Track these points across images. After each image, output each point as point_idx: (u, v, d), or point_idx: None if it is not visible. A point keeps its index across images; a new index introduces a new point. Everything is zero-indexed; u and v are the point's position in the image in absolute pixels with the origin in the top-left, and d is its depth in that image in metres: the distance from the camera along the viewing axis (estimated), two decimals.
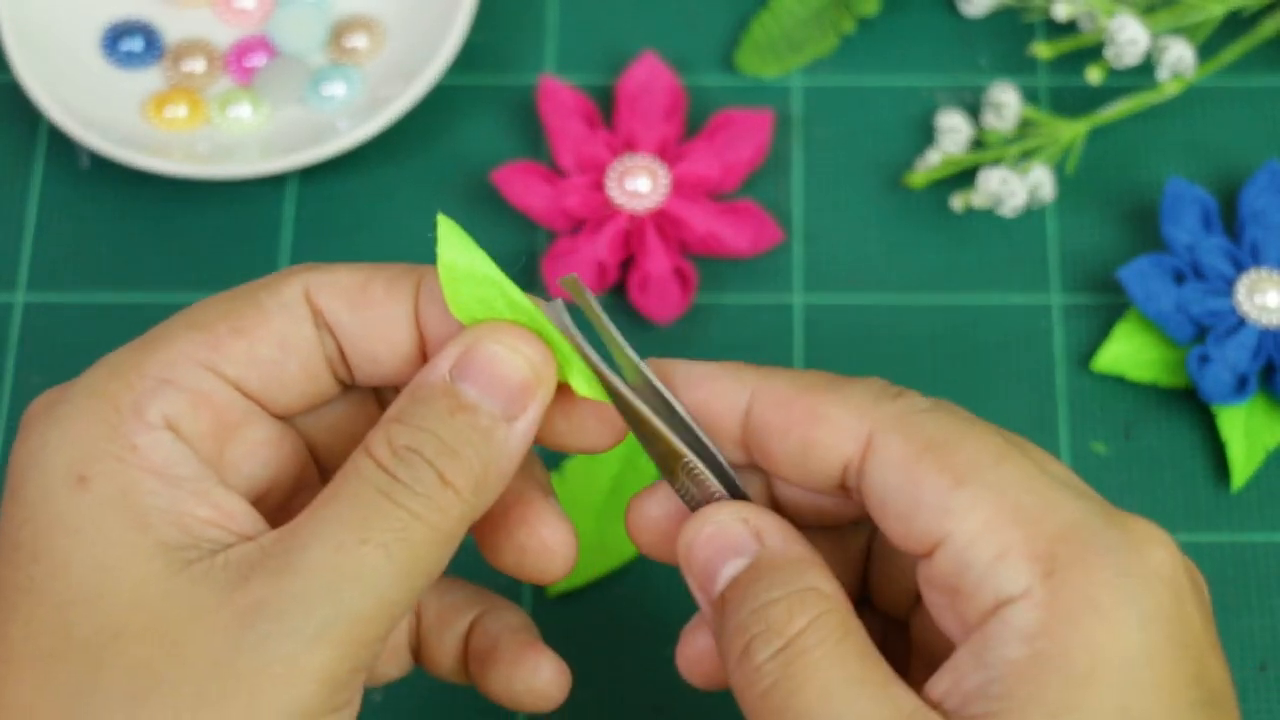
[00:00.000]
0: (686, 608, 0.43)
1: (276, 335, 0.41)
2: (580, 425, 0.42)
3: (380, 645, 0.38)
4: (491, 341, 0.40)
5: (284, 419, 0.42)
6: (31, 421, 0.40)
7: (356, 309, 0.41)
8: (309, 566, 0.37)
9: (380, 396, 0.44)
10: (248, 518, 0.39)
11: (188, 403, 0.39)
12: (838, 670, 0.37)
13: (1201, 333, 0.57)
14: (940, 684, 0.38)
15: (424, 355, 0.41)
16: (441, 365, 0.40)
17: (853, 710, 0.37)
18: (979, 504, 0.38)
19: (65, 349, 0.59)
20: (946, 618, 0.39)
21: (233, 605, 0.37)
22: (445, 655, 0.45)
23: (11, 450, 0.40)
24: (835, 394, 0.40)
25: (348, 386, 0.43)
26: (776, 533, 0.40)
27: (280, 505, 0.42)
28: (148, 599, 0.37)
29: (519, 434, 0.40)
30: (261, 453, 0.41)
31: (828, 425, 0.40)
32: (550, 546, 0.42)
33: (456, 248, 0.40)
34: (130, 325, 0.59)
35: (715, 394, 0.41)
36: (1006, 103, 0.59)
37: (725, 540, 0.40)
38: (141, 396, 0.39)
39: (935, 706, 0.37)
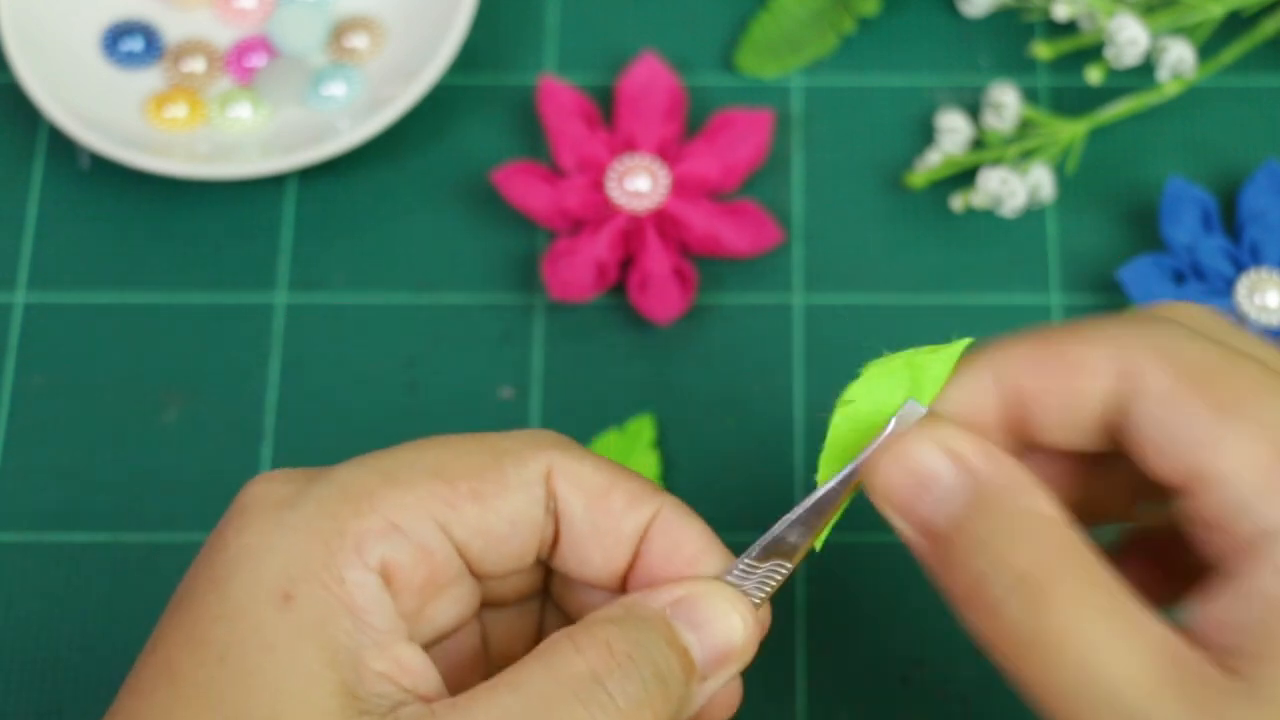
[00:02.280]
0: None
1: (511, 511, 0.40)
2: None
3: None
4: (713, 595, 0.40)
5: (479, 578, 0.42)
6: (250, 515, 0.39)
7: (592, 512, 0.41)
8: None
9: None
10: (426, 676, 0.38)
11: (410, 555, 0.39)
12: (1083, 604, 0.36)
13: None
14: (1201, 617, 0.36)
15: (625, 577, 0.41)
16: (664, 596, 0.40)
17: (1107, 645, 0.35)
18: (1242, 437, 0.36)
19: (65, 349, 0.59)
20: (1206, 552, 0.37)
21: None
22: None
23: (223, 538, 0.39)
24: (1086, 336, 0.39)
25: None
26: (980, 454, 0.38)
27: (454, 662, 0.42)
28: None
29: (709, 689, 0.40)
30: (455, 610, 0.41)
31: (1086, 371, 0.38)
32: (724, 703, 0.42)
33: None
34: (130, 325, 0.59)
35: (961, 399, 0.40)
36: (1006, 103, 0.59)
37: (923, 470, 0.38)
38: (367, 534, 0.39)
39: (1195, 640, 0.36)
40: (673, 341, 0.59)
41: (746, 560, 0.41)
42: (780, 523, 0.41)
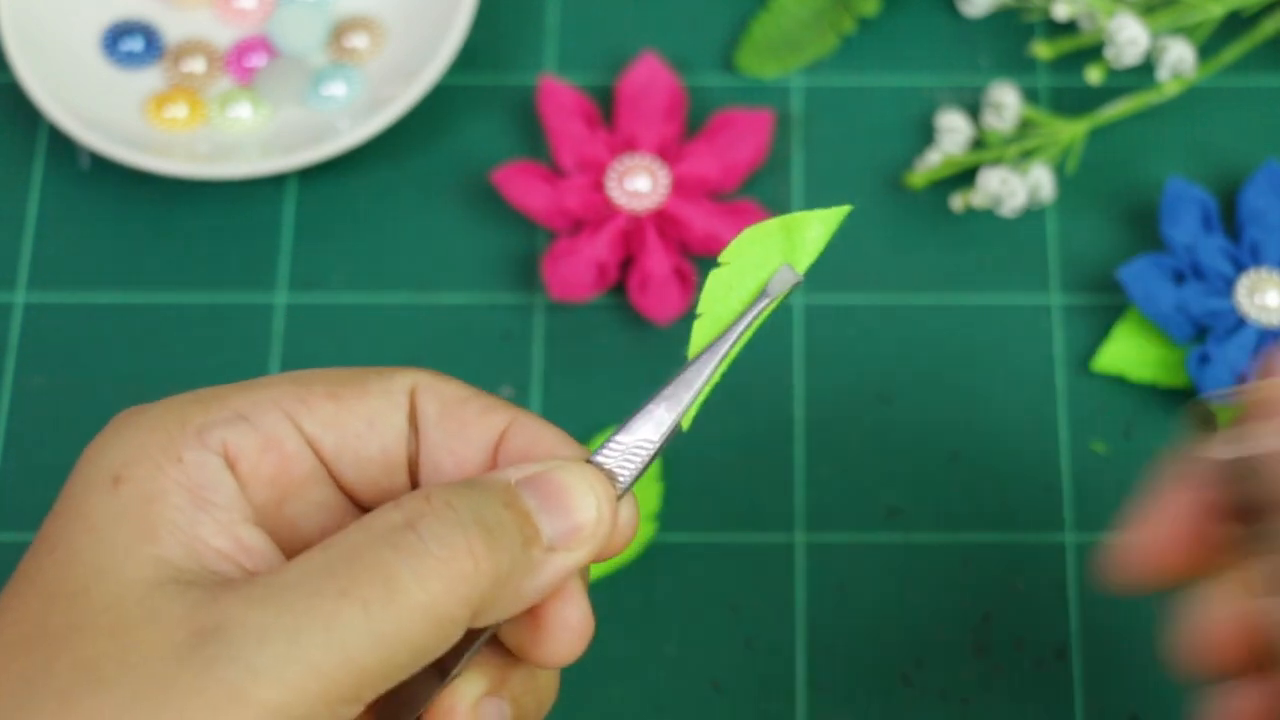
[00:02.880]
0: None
1: (368, 411, 0.40)
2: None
3: (345, 710, 0.36)
4: (568, 473, 0.39)
5: (351, 499, 0.41)
6: (107, 427, 0.40)
7: (445, 419, 0.41)
8: (277, 603, 0.35)
9: None
10: (269, 558, 0.38)
11: (255, 442, 0.39)
12: None
13: (1201, 333, 0.57)
14: None
15: None
16: (511, 472, 0.39)
17: None
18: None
19: (65, 349, 0.59)
20: None
21: (191, 622, 0.35)
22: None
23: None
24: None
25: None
26: None
27: None
28: (123, 603, 0.36)
29: (555, 566, 0.39)
30: (319, 517, 0.41)
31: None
32: (572, 629, 0.40)
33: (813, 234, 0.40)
34: (130, 325, 0.59)
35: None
36: (1006, 103, 0.59)
37: None
38: (211, 422, 0.39)
39: None
40: (673, 341, 0.59)
41: (612, 441, 0.40)
42: (650, 397, 0.40)
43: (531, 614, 0.40)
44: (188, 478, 0.38)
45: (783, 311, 0.59)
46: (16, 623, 0.37)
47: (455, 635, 0.37)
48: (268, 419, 0.40)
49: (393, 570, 0.36)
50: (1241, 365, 0.56)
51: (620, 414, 0.57)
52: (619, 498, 0.40)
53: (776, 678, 0.55)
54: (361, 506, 0.41)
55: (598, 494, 0.39)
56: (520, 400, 0.58)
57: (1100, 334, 0.59)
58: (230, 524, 0.38)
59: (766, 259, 0.41)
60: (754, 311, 0.40)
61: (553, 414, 0.58)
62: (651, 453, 0.40)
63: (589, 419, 0.58)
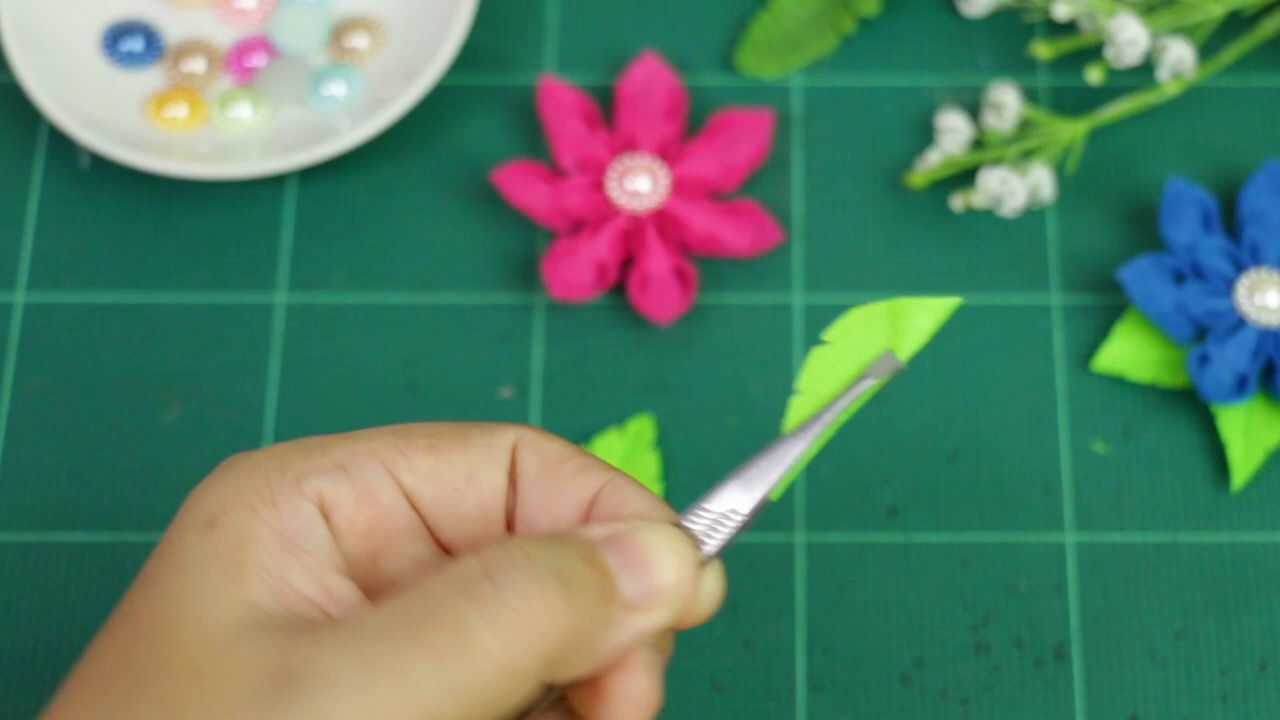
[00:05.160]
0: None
1: (468, 466, 0.40)
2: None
3: None
4: (651, 533, 0.39)
5: (447, 553, 0.41)
6: (213, 472, 0.40)
7: (543, 476, 0.40)
8: (353, 650, 0.35)
9: None
10: (356, 610, 0.38)
11: (351, 493, 0.39)
12: None
13: (1201, 333, 0.57)
14: None
15: None
16: (595, 529, 0.39)
17: None
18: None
19: (65, 349, 0.59)
20: None
21: (269, 666, 0.35)
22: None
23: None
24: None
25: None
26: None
27: None
28: (206, 644, 0.36)
29: (633, 626, 0.38)
30: (414, 571, 0.40)
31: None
32: (633, 700, 0.39)
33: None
34: (130, 325, 0.59)
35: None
36: (1006, 103, 0.59)
37: None
38: (309, 470, 0.39)
39: None
40: (673, 341, 0.59)
41: (700, 507, 0.40)
42: (741, 468, 0.40)
43: (599, 680, 0.39)
44: (280, 523, 0.38)
45: (783, 312, 0.59)
46: (105, 658, 0.38)
47: (527, 688, 0.36)
48: (365, 470, 0.39)
49: (466, 619, 0.35)
50: (1242, 365, 0.56)
51: (620, 414, 0.58)
52: (703, 565, 0.39)
53: (776, 678, 0.55)
54: None
55: (680, 556, 0.39)
56: (520, 400, 0.58)
57: (1100, 334, 0.59)
58: (320, 571, 0.38)
59: (870, 341, 0.41)
60: (853, 393, 0.40)
61: (553, 414, 0.58)
62: (740, 524, 0.40)
63: (589, 419, 0.58)
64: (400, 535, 0.40)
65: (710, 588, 0.40)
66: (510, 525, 0.41)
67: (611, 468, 0.41)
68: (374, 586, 0.40)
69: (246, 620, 0.37)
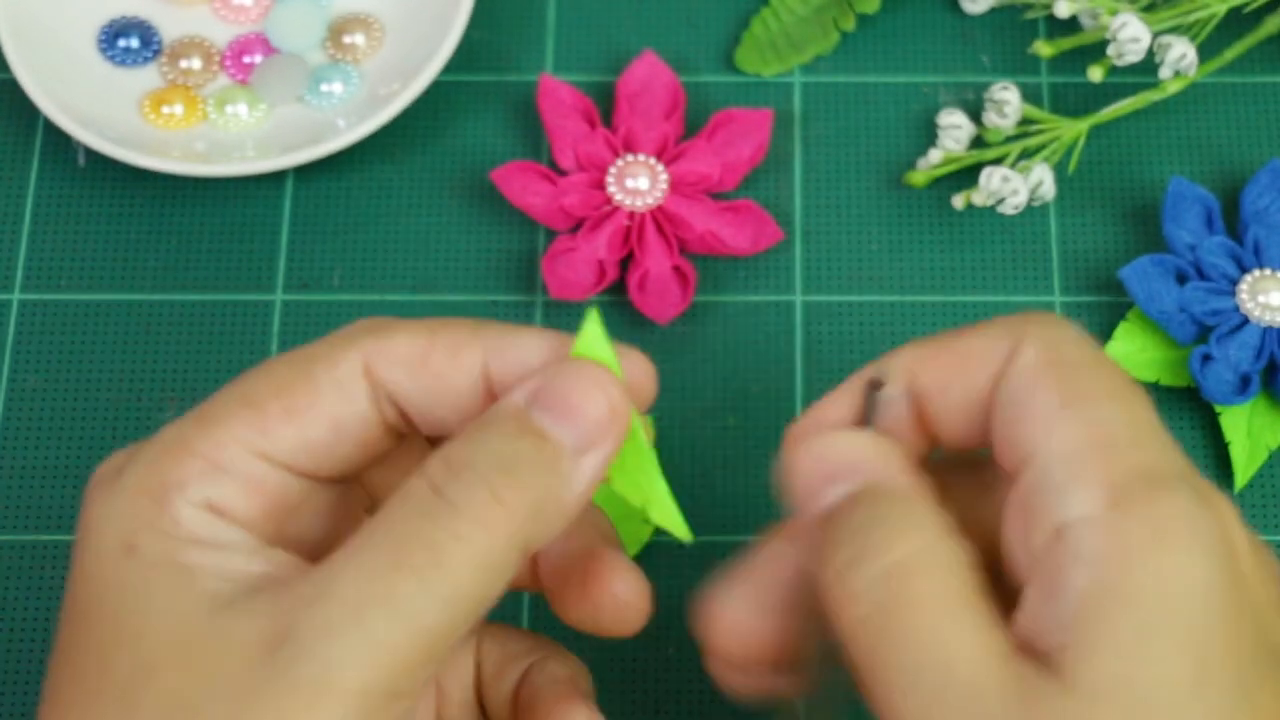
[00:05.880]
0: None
1: (329, 416, 0.40)
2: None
3: (425, 672, 0.37)
4: (572, 375, 0.39)
5: (341, 481, 0.42)
6: (91, 492, 0.40)
7: (419, 380, 0.40)
8: (335, 594, 0.36)
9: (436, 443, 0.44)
10: (300, 567, 0.39)
11: (237, 489, 0.39)
12: (940, 603, 0.37)
13: (1204, 332, 0.57)
14: (1017, 625, 0.37)
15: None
16: (517, 395, 0.39)
17: (955, 645, 0.36)
18: (1076, 427, 0.37)
19: (61, 348, 0.59)
20: (1019, 553, 0.38)
21: (260, 634, 0.36)
22: (499, 708, 0.44)
23: (78, 518, 0.40)
24: (977, 328, 0.40)
25: (404, 434, 0.42)
26: (892, 461, 0.39)
27: None
28: (186, 636, 0.37)
29: (586, 469, 0.39)
30: (320, 520, 0.41)
31: (974, 359, 0.39)
32: (625, 600, 0.42)
33: (593, 343, 0.40)
34: (127, 324, 0.59)
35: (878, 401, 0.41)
36: (1008, 101, 0.59)
37: (837, 461, 0.39)
38: (188, 476, 0.39)
39: (1019, 648, 0.37)
40: (673, 341, 0.59)
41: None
42: None
43: (584, 592, 0.41)
44: (192, 534, 0.38)
45: (783, 311, 0.59)
46: (74, 680, 0.38)
47: (513, 572, 0.38)
48: (238, 462, 0.39)
49: (434, 538, 0.37)
50: (1244, 365, 0.56)
51: None
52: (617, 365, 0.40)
53: None
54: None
55: (598, 382, 0.39)
56: None
57: (1102, 334, 0.58)
58: (252, 553, 0.39)
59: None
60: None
61: None
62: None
63: None
64: (296, 501, 0.40)
65: (634, 375, 0.41)
66: (403, 418, 0.41)
67: (474, 330, 0.41)
68: (293, 548, 0.40)
69: (214, 604, 0.37)
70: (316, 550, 0.40)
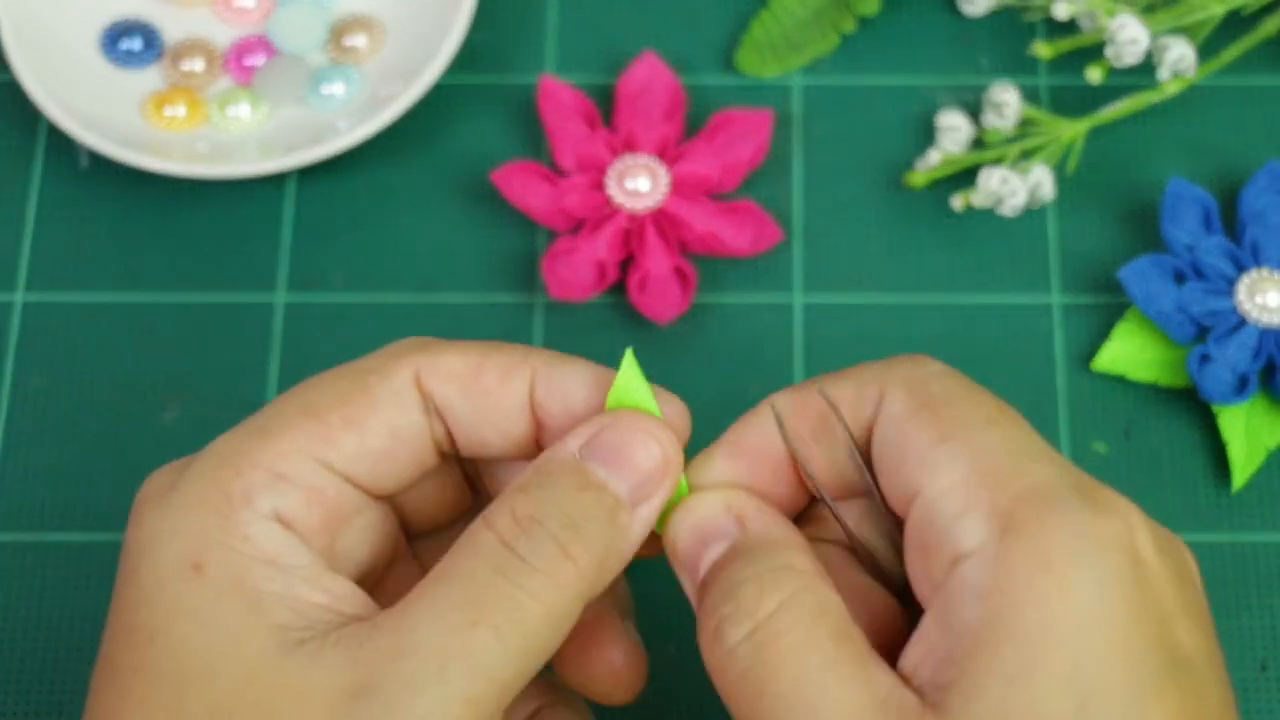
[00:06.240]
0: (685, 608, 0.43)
1: (387, 426, 0.41)
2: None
3: (496, 719, 0.38)
4: (625, 426, 0.40)
5: (384, 499, 0.42)
6: (143, 507, 0.40)
7: (469, 396, 0.41)
8: (417, 648, 0.37)
9: (466, 465, 0.45)
10: (358, 600, 0.39)
11: (301, 499, 0.40)
12: (812, 653, 0.37)
13: (1202, 333, 0.57)
14: (911, 656, 0.37)
15: (536, 439, 0.42)
16: (571, 444, 0.40)
17: (828, 695, 0.37)
18: (956, 461, 0.38)
19: (64, 349, 0.59)
20: (922, 586, 0.38)
21: (341, 685, 0.37)
22: None
23: (125, 535, 0.40)
24: (841, 375, 0.41)
25: (446, 455, 0.43)
26: (757, 515, 0.40)
27: (378, 580, 0.43)
28: (259, 677, 0.37)
29: (641, 519, 0.40)
30: (368, 537, 0.42)
31: (844, 404, 0.40)
32: (620, 672, 0.43)
33: (631, 384, 0.41)
34: (130, 325, 0.59)
35: (752, 446, 0.42)
36: (1007, 102, 0.59)
37: (708, 526, 0.40)
38: (252, 487, 0.39)
39: (908, 680, 0.37)
40: (673, 341, 0.59)
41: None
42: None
43: (582, 655, 0.42)
44: (261, 551, 0.39)
45: (783, 311, 0.59)
46: (145, 715, 0.38)
47: (574, 621, 0.39)
48: (302, 472, 0.40)
49: (510, 595, 0.38)
50: (1242, 365, 0.56)
51: None
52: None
53: None
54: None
55: (651, 433, 0.40)
56: None
57: (1100, 334, 0.59)
58: (316, 578, 0.39)
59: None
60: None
61: None
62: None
63: None
64: (349, 514, 0.41)
65: (670, 418, 0.42)
66: (449, 439, 0.42)
67: (526, 355, 0.42)
68: (340, 566, 0.41)
69: (285, 644, 0.37)
70: (361, 570, 0.41)
